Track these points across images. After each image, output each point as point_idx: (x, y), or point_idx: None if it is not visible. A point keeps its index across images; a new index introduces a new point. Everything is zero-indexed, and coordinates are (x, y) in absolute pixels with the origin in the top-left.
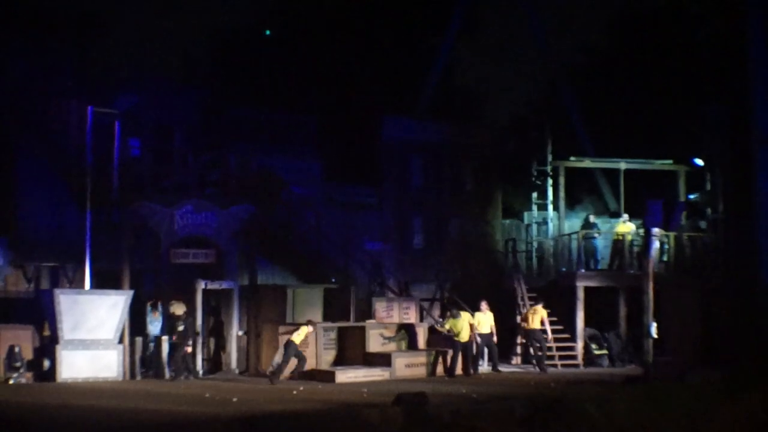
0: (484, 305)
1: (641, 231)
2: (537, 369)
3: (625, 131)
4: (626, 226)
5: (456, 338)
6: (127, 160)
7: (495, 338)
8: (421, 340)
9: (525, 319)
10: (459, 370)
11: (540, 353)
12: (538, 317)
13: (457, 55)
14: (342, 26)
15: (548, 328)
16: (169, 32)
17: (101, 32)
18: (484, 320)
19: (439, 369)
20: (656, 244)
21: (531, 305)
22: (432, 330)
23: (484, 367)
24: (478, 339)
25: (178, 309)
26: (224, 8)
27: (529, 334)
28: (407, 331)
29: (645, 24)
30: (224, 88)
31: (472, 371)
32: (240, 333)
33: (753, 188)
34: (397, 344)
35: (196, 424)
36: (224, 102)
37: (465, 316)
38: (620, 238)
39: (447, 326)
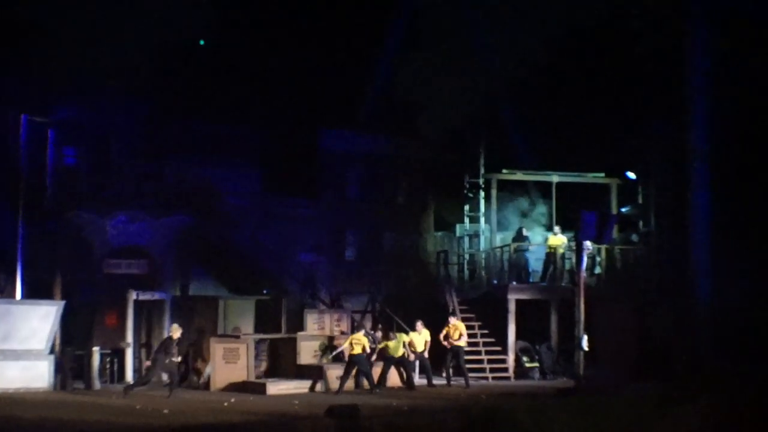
0: (419, 325)
1: (573, 244)
2: (465, 384)
3: (562, 144)
4: (558, 239)
5: (388, 354)
6: (62, 169)
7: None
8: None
9: (447, 337)
10: (398, 383)
11: (457, 368)
12: (457, 332)
13: (397, 68)
14: (282, 37)
15: (465, 340)
16: (108, 42)
17: (39, 40)
18: (419, 339)
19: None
20: (586, 256)
21: (449, 322)
22: None
23: (416, 379)
24: (412, 356)
25: (176, 332)
26: (164, 19)
27: (453, 349)
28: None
29: (585, 38)
30: (163, 99)
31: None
32: None
33: (687, 202)
34: (325, 357)
35: None
36: (163, 113)
37: (400, 338)
38: (552, 250)
39: (381, 346)
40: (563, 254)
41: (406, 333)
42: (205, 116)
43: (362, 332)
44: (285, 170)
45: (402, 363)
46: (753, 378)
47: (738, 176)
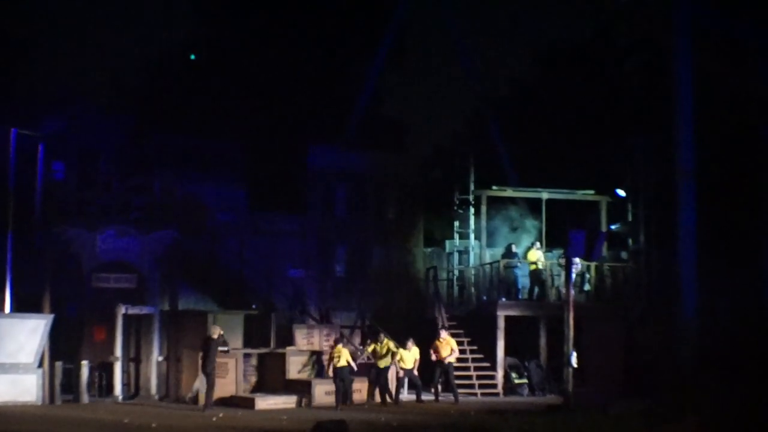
0: (410, 343)
1: (559, 260)
2: (454, 399)
3: (550, 161)
4: (536, 254)
5: (376, 362)
6: (51, 184)
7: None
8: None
9: (437, 351)
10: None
11: (446, 384)
12: (447, 347)
13: (385, 85)
14: (270, 53)
15: (455, 356)
16: (96, 56)
17: (27, 54)
18: (408, 357)
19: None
20: (575, 273)
21: (439, 335)
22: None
23: (405, 394)
24: (401, 372)
25: (216, 332)
26: (153, 33)
27: (442, 365)
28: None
29: (572, 55)
30: (151, 114)
31: (388, 399)
32: (160, 358)
33: (675, 219)
34: (310, 372)
35: None
36: (151, 127)
37: (388, 343)
38: (536, 268)
39: (369, 350)
40: (551, 271)
41: (395, 345)
42: (193, 131)
43: (341, 344)
44: (273, 186)
45: (385, 374)
46: (738, 394)
47: (724, 194)
